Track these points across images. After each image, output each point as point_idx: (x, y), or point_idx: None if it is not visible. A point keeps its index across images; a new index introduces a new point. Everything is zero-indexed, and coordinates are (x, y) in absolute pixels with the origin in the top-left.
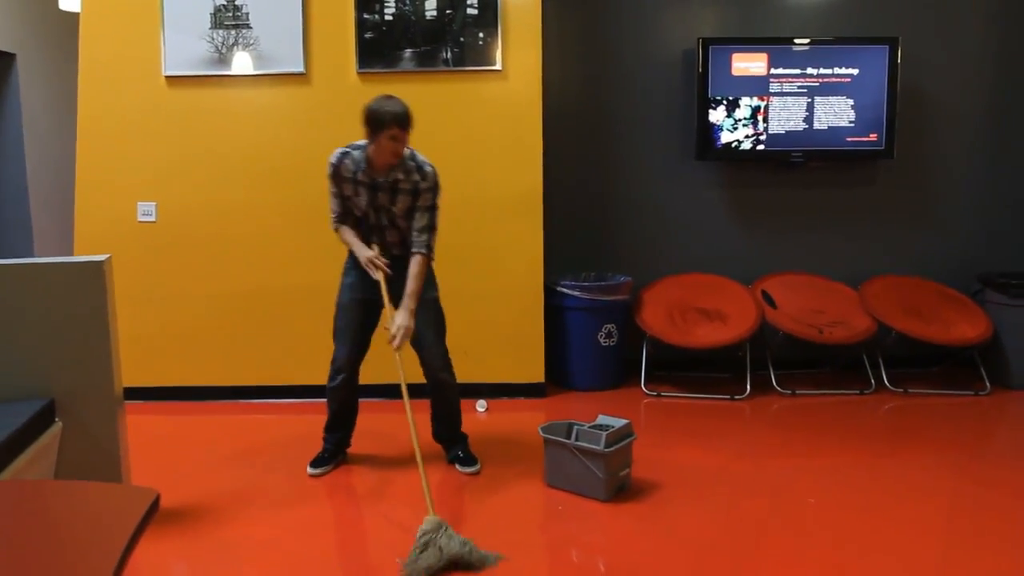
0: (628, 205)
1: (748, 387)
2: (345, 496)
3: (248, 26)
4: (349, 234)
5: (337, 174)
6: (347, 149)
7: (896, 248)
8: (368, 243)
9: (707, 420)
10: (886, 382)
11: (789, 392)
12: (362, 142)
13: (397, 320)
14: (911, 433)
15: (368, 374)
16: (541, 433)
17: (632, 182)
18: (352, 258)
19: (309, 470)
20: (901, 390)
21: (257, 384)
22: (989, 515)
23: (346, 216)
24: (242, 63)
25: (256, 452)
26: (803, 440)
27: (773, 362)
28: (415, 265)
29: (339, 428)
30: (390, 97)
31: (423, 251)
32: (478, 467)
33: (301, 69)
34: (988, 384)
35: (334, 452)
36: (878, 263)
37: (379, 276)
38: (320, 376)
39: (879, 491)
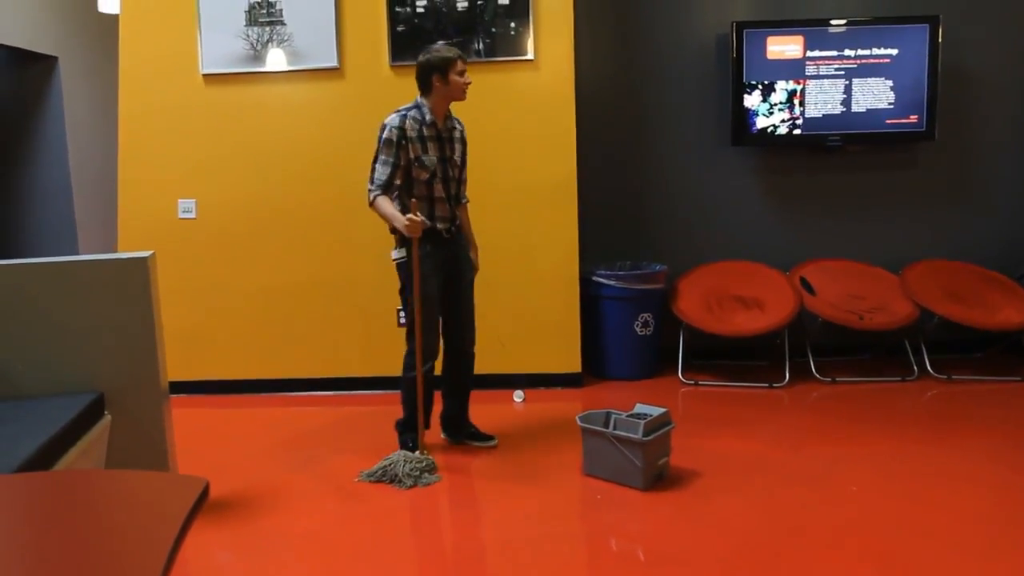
0: (663, 193)
1: (787, 375)
2: (387, 489)
3: (282, 22)
4: (388, 205)
5: (402, 135)
6: (402, 111)
7: (938, 231)
8: (441, 207)
9: (745, 408)
10: (929, 368)
11: (829, 380)
12: (409, 105)
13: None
14: (955, 420)
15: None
16: (579, 422)
17: (667, 170)
18: (409, 244)
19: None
20: (945, 376)
21: (298, 377)
22: None
23: (391, 186)
24: (277, 59)
25: (298, 444)
26: (843, 428)
27: (812, 349)
28: (467, 213)
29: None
30: (435, 46)
31: (467, 200)
32: (495, 441)
33: (335, 64)
34: None
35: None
36: (919, 247)
37: (417, 233)
38: (360, 367)
39: (922, 479)
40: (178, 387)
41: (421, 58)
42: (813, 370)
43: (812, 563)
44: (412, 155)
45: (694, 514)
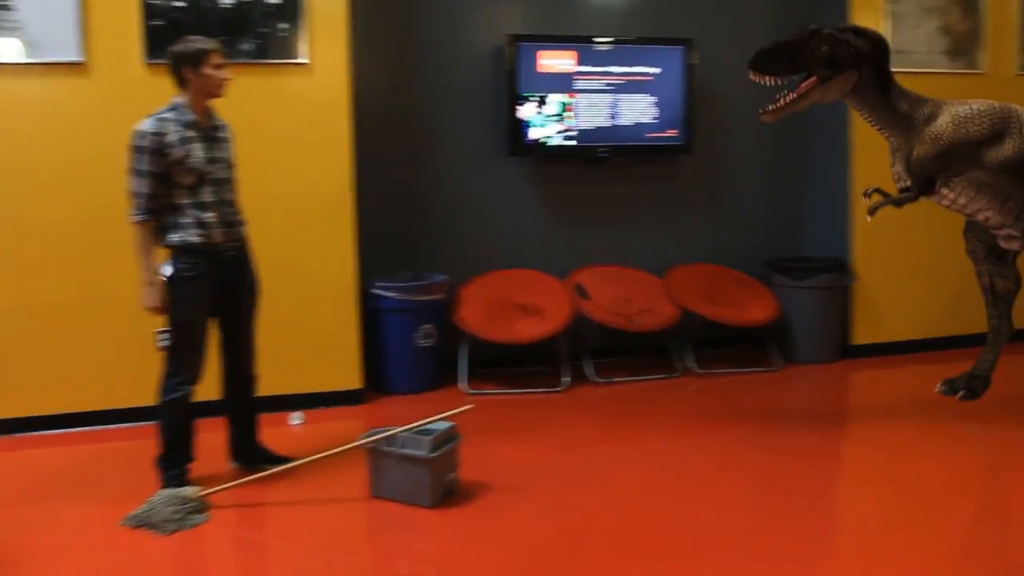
0: (444, 203)
1: (566, 379)
2: (150, 537)
3: (7, 6)
4: (145, 245)
5: (159, 141)
6: (157, 114)
7: (695, 237)
8: (213, 214)
9: (529, 415)
10: (692, 364)
11: (605, 381)
12: (164, 108)
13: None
14: (717, 412)
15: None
16: (362, 442)
17: (447, 179)
18: (183, 261)
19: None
20: (706, 371)
21: (30, 415)
22: (790, 480)
23: (155, 200)
24: (5, 50)
25: (36, 494)
26: (621, 427)
27: (589, 352)
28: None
29: (186, 446)
30: (190, 37)
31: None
32: (294, 462)
33: (78, 58)
34: (779, 361)
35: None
36: (680, 252)
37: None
38: (105, 398)
39: (693, 471)
40: None
41: (172, 48)
42: (590, 373)
43: (596, 569)
44: (174, 159)
45: (483, 529)
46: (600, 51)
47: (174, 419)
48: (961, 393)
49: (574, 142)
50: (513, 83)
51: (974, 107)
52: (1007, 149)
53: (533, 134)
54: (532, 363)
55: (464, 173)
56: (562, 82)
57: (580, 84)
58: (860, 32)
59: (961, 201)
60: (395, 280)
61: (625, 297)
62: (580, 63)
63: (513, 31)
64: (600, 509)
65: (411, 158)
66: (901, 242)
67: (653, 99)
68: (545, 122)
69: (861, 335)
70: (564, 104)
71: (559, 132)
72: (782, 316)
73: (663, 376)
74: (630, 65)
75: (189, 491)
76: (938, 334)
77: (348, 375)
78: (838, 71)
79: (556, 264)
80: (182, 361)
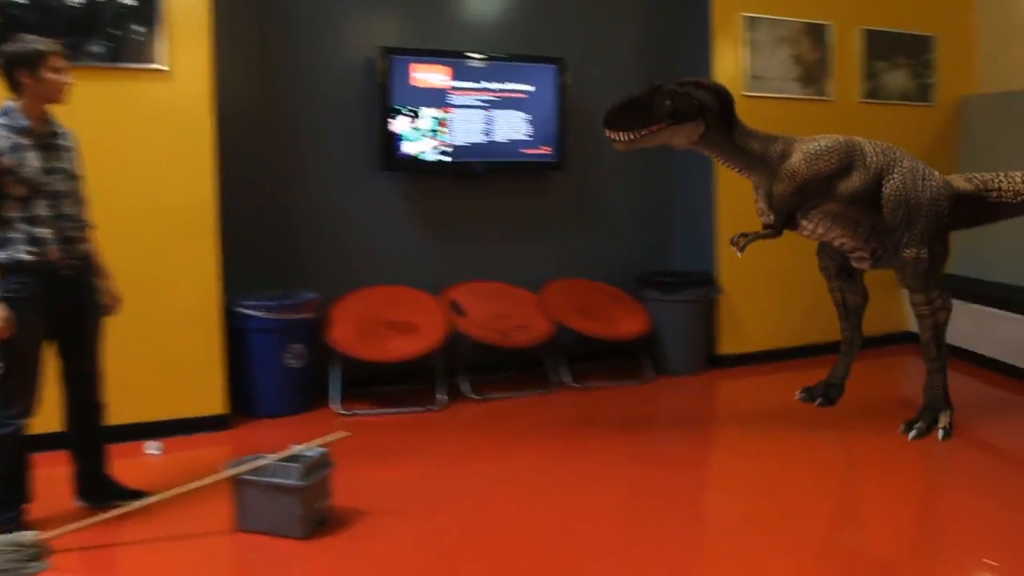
0: (314, 218)
1: (442, 397)
2: None
3: None
4: None
5: None
6: None
7: (569, 253)
8: (48, 230)
9: (405, 435)
10: (567, 379)
11: (481, 398)
12: None
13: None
14: (591, 424)
15: None
16: (227, 472)
17: (318, 193)
18: (12, 281)
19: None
20: (580, 386)
21: None
22: (661, 489)
23: None
24: None
25: None
26: (497, 444)
27: (465, 369)
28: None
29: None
30: (25, 36)
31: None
32: (150, 497)
33: None
34: (650, 373)
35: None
36: (555, 267)
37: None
38: None
39: (569, 486)
40: None
41: (4, 48)
42: (466, 390)
43: None
44: (3, 168)
45: (359, 557)
46: (474, 67)
47: (5, 456)
48: (819, 400)
49: (449, 158)
50: (386, 96)
51: (822, 143)
52: (855, 181)
53: (407, 148)
54: (407, 381)
55: (336, 187)
56: (436, 97)
57: (455, 99)
58: (702, 85)
59: (819, 231)
60: (262, 298)
61: (500, 313)
62: (454, 78)
63: (386, 43)
64: (477, 529)
65: (280, 171)
66: (761, 257)
67: (527, 116)
68: (419, 137)
69: (726, 346)
70: (438, 119)
71: (433, 147)
72: (653, 329)
73: (539, 391)
74: (504, 82)
75: (26, 536)
76: (795, 343)
77: (211, 399)
78: (682, 121)
79: (431, 280)
80: (13, 392)
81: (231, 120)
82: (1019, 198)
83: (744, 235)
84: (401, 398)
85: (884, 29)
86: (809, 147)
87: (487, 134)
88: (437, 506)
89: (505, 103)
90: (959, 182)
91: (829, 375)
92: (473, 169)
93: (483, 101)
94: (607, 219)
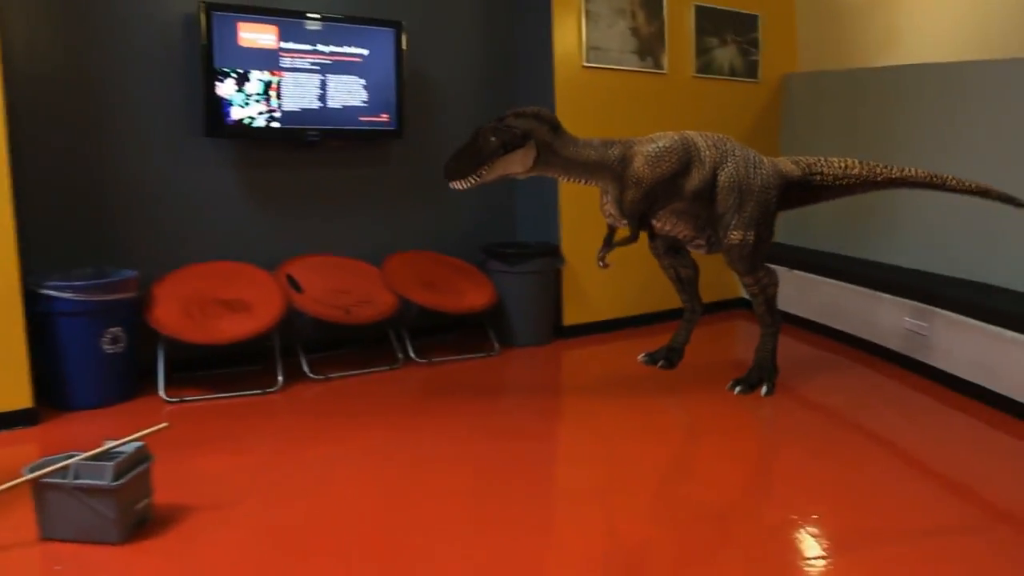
0: (132, 188)
1: (280, 378)
2: None
3: None
4: None
5: None
6: None
7: (412, 224)
8: None
9: (239, 420)
10: (412, 354)
11: (323, 377)
12: None
13: None
14: (437, 400)
15: None
16: (26, 475)
17: (135, 161)
18: None
19: None
20: (426, 361)
21: None
22: (509, 463)
23: None
24: None
25: None
26: (339, 424)
27: (304, 348)
28: None
29: None
30: None
31: None
32: None
33: None
34: (497, 345)
35: None
36: (398, 239)
37: None
38: None
39: (415, 462)
40: None
41: None
42: (306, 369)
43: None
44: None
45: (187, 559)
46: (307, 28)
47: None
48: (660, 363)
49: (280, 124)
50: (209, 57)
51: (660, 144)
52: (695, 178)
53: (235, 114)
54: (242, 363)
55: (155, 155)
56: (266, 59)
57: (285, 62)
58: (520, 115)
59: (667, 228)
60: (72, 278)
61: (341, 288)
62: (284, 39)
63: None
64: (318, 518)
65: (91, 136)
66: (601, 228)
67: (363, 82)
68: (247, 102)
69: (571, 316)
70: (268, 83)
71: (263, 113)
72: (499, 301)
73: (384, 368)
74: (339, 45)
75: None
76: (636, 312)
77: (15, 392)
78: (512, 150)
79: (265, 255)
80: None
81: (29, 82)
82: (838, 181)
83: (603, 248)
84: (235, 381)
85: (714, 6)
86: (648, 150)
87: (321, 100)
88: (273, 496)
89: (340, 67)
90: (787, 166)
91: (671, 340)
92: (307, 136)
93: (316, 64)
94: (450, 190)
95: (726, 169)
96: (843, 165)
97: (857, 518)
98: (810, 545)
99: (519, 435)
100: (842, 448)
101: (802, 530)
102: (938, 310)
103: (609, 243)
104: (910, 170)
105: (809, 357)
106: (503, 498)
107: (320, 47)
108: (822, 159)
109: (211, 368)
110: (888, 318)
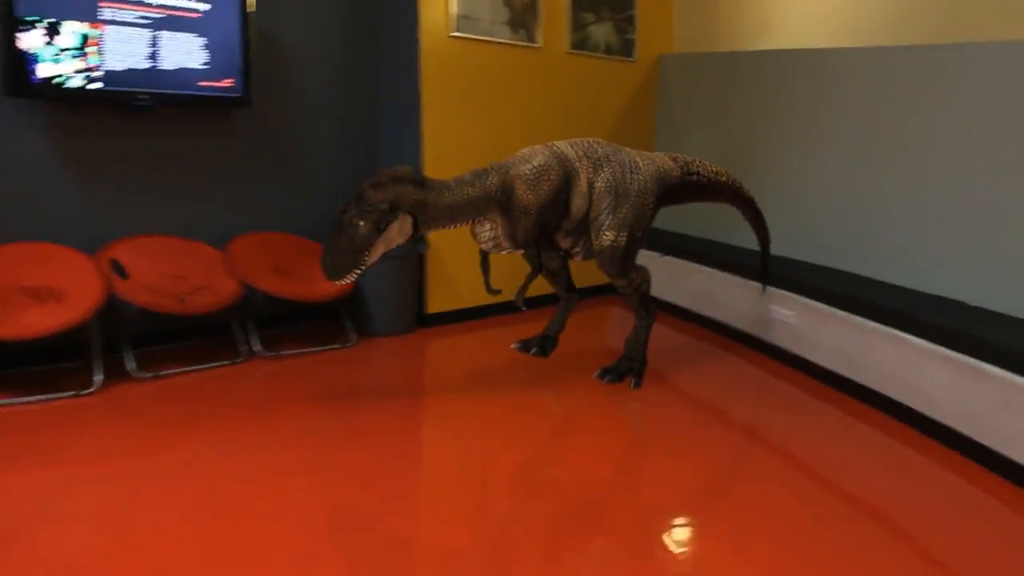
0: None
1: (99, 377)
2: None
3: None
4: None
5: None
6: None
7: (261, 202)
8: None
9: (39, 430)
10: (258, 347)
11: (151, 375)
12: None
13: None
14: (284, 398)
15: None
16: None
17: None
18: None
19: None
20: (273, 354)
21: None
22: (360, 470)
23: None
24: None
25: None
26: (165, 431)
27: (132, 342)
28: None
29: None
30: None
31: None
32: None
33: None
34: (354, 336)
35: None
36: (244, 219)
37: None
38: None
39: (251, 472)
40: None
41: None
42: (132, 367)
43: None
44: None
45: None
46: None
47: None
48: (533, 350)
49: (101, 85)
50: (9, 2)
51: (535, 163)
52: (575, 192)
53: (42, 71)
54: (53, 361)
55: None
56: (81, 8)
57: (106, 13)
58: (378, 184)
59: (566, 244)
60: None
61: (176, 274)
62: None
63: None
64: (123, 548)
65: None
66: None
67: (202, 41)
68: (59, 58)
69: (435, 303)
70: (85, 36)
71: (80, 71)
72: (356, 288)
73: (225, 363)
74: None
75: None
76: (504, 299)
77: None
78: (387, 226)
79: (83, 236)
80: None
81: None
82: (711, 184)
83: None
84: (43, 382)
85: None
86: (525, 172)
87: (152, 59)
88: (67, 525)
89: (174, 23)
90: (666, 164)
91: (546, 328)
92: (135, 101)
93: (145, 18)
94: (305, 164)
95: (602, 175)
96: (715, 171)
97: (722, 508)
98: (673, 536)
99: (375, 437)
100: (709, 440)
101: (665, 521)
102: (804, 299)
103: (486, 269)
104: (754, 200)
105: (681, 346)
106: (351, 513)
107: None
108: (698, 160)
109: (15, 366)
110: (757, 307)
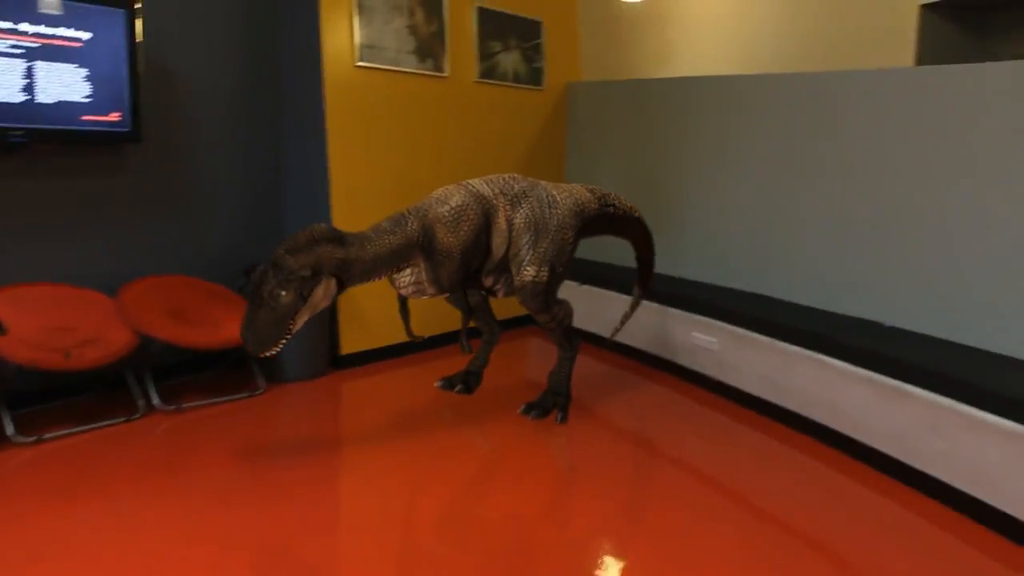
0: None
1: None
2: None
3: None
4: None
5: None
6: None
7: (157, 245)
8: None
9: None
10: (157, 400)
11: (32, 439)
12: None
13: None
14: (186, 456)
15: None
16: None
17: None
18: None
19: None
20: (174, 407)
21: None
22: (266, 536)
23: None
24: None
25: None
26: (44, 502)
27: (9, 402)
28: None
29: None
30: None
31: None
32: None
33: None
34: (263, 382)
35: None
36: (139, 263)
37: None
38: None
39: (144, 545)
40: None
41: None
42: (9, 431)
43: None
44: None
45: None
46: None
47: None
48: (458, 388)
49: None
50: None
51: (452, 204)
52: (495, 231)
53: None
54: None
55: None
56: None
57: None
58: (293, 249)
59: (488, 282)
60: None
61: (60, 325)
62: None
63: None
64: None
65: None
66: None
67: (84, 72)
68: None
69: (349, 344)
70: None
71: None
72: None
73: (120, 420)
74: (49, 25)
75: None
76: (422, 335)
77: None
78: (310, 292)
79: None
80: None
81: None
82: (626, 216)
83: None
84: None
85: (497, 9)
86: (443, 214)
87: (28, 91)
88: None
89: (52, 52)
90: (584, 196)
91: (469, 364)
92: (8, 137)
93: (18, 47)
94: (203, 202)
95: (520, 212)
96: (629, 205)
97: (651, 540)
98: (604, 569)
99: (291, 492)
100: (637, 472)
101: (595, 555)
102: (724, 324)
103: (406, 315)
104: (651, 239)
105: (604, 375)
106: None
107: (24, 26)
108: (613, 193)
109: None
110: (677, 333)
